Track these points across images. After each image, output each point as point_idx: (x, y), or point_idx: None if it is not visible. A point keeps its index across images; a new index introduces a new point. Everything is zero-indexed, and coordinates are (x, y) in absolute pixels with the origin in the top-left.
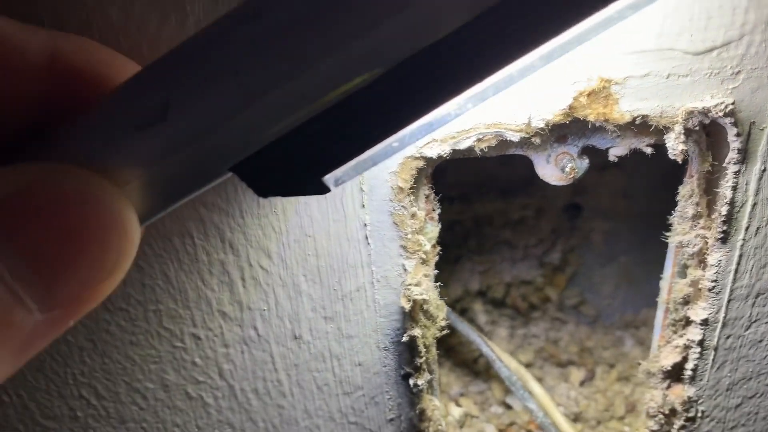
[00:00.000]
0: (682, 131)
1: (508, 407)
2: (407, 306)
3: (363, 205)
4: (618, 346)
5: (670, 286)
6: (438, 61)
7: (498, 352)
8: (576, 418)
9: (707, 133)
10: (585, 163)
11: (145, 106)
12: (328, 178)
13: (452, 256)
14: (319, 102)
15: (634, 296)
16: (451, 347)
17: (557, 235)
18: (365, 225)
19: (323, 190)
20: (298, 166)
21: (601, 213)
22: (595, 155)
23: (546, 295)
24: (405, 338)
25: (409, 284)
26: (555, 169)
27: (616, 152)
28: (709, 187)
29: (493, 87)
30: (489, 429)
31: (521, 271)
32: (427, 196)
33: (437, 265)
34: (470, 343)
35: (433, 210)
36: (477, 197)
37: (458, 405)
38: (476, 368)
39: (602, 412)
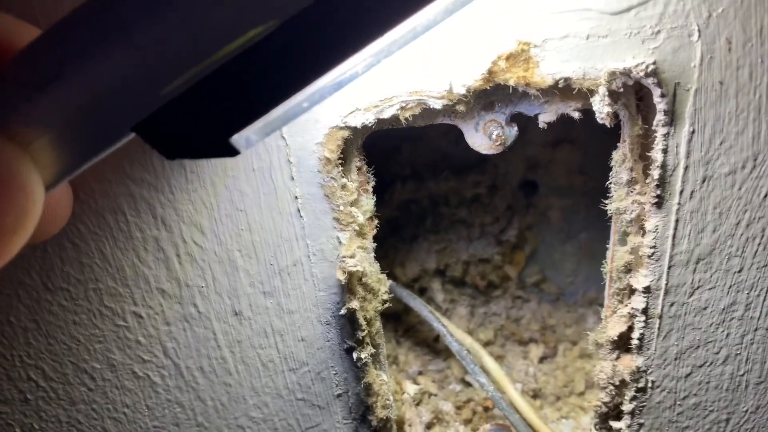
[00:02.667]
0: (607, 93)
1: (468, 385)
2: (343, 278)
3: (292, 178)
4: (581, 323)
5: (612, 254)
6: (336, 11)
7: (451, 327)
8: (535, 395)
9: (639, 97)
10: (513, 131)
11: (42, 66)
12: (238, 140)
13: (409, 236)
14: (215, 56)
15: (596, 273)
16: (411, 326)
17: (513, 212)
18: (296, 197)
19: (232, 152)
20: (202, 125)
21: (557, 190)
22: (546, 133)
23: (505, 273)
24: (343, 311)
25: (344, 256)
26: (484, 137)
27: (544, 118)
28: (644, 152)
29: (398, 42)
30: (446, 406)
31: (478, 249)
32: (359, 168)
33: (394, 244)
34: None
35: (368, 182)
36: (431, 176)
37: (416, 383)
38: (437, 347)
39: (561, 389)
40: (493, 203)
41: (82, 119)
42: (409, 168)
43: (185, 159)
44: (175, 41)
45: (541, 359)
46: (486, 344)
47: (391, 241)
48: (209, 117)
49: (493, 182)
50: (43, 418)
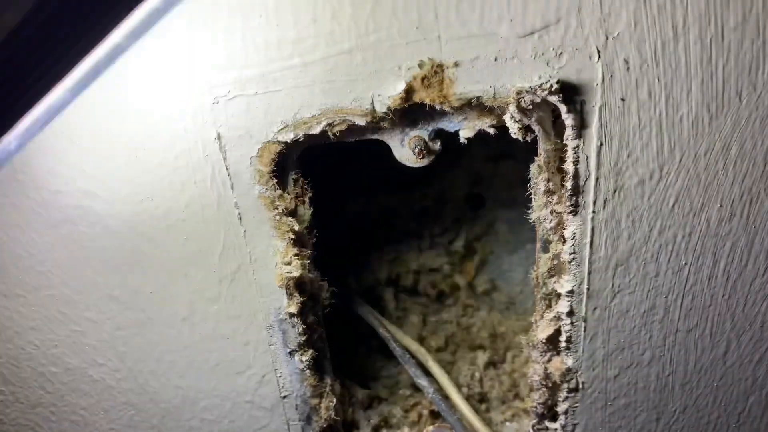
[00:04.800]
0: (516, 110)
1: (417, 390)
2: (280, 284)
3: (232, 188)
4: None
5: (537, 260)
6: None
7: (398, 334)
8: (481, 399)
9: (556, 114)
10: (437, 145)
11: None
12: None
13: (362, 247)
14: None
15: None
16: (366, 334)
17: (461, 224)
18: (236, 207)
19: None
20: None
21: (502, 202)
22: (488, 147)
23: (455, 282)
24: (283, 316)
25: (281, 263)
26: (409, 151)
27: (464, 134)
28: (561, 164)
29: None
30: (395, 410)
31: (428, 259)
32: (295, 181)
33: (347, 255)
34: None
35: (304, 194)
36: (381, 190)
37: (367, 388)
38: (391, 354)
39: (506, 393)
40: (441, 215)
41: None
42: (360, 182)
43: None
44: None
45: (490, 365)
46: (437, 350)
47: (345, 251)
48: None
49: (440, 195)
50: (3, 422)
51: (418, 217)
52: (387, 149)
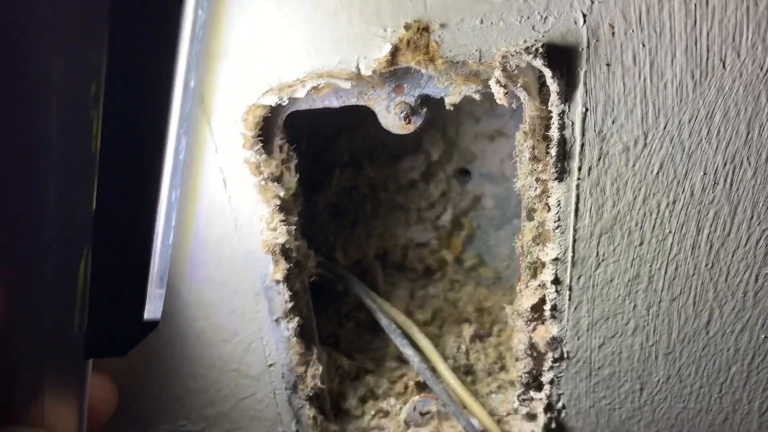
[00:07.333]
0: (502, 75)
1: (404, 362)
2: (265, 251)
3: (216, 151)
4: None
5: (522, 229)
6: None
7: (385, 306)
8: (467, 371)
9: (543, 80)
10: (423, 111)
11: None
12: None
13: (349, 221)
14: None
15: None
16: (353, 308)
17: (448, 199)
18: (221, 170)
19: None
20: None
21: (489, 177)
22: (487, 124)
23: (442, 257)
24: (268, 283)
25: (267, 229)
26: (396, 118)
27: (450, 100)
28: (546, 132)
29: None
30: (381, 381)
31: (415, 234)
32: (281, 147)
33: (335, 229)
34: None
35: (289, 161)
36: (369, 163)
37: (353, 359)
38: (377, 328)
39: (492, 365)
40: (428, 190)
41: None
42: (348, 155)
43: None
44: None
45: (476, 339)
46: (424, 324)
47: (332, 226)
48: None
49: (427, 169)
50: None
51: (406, 190)
52: (375, 122)
